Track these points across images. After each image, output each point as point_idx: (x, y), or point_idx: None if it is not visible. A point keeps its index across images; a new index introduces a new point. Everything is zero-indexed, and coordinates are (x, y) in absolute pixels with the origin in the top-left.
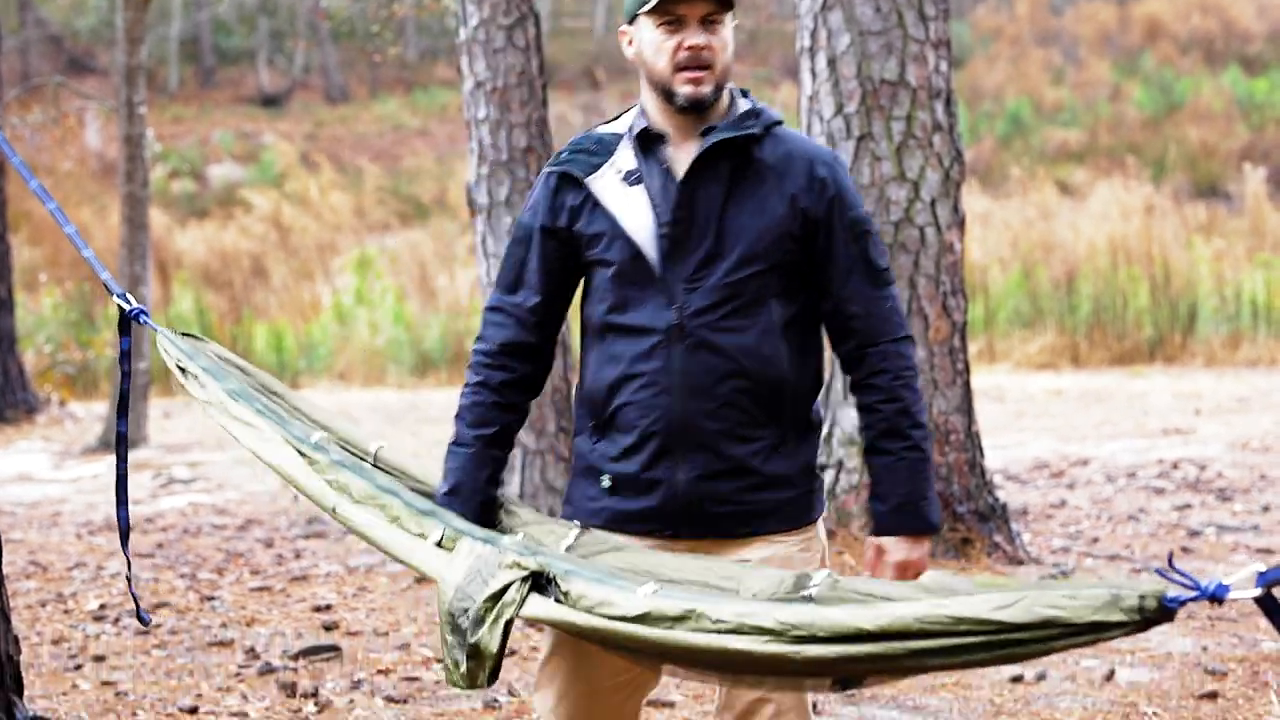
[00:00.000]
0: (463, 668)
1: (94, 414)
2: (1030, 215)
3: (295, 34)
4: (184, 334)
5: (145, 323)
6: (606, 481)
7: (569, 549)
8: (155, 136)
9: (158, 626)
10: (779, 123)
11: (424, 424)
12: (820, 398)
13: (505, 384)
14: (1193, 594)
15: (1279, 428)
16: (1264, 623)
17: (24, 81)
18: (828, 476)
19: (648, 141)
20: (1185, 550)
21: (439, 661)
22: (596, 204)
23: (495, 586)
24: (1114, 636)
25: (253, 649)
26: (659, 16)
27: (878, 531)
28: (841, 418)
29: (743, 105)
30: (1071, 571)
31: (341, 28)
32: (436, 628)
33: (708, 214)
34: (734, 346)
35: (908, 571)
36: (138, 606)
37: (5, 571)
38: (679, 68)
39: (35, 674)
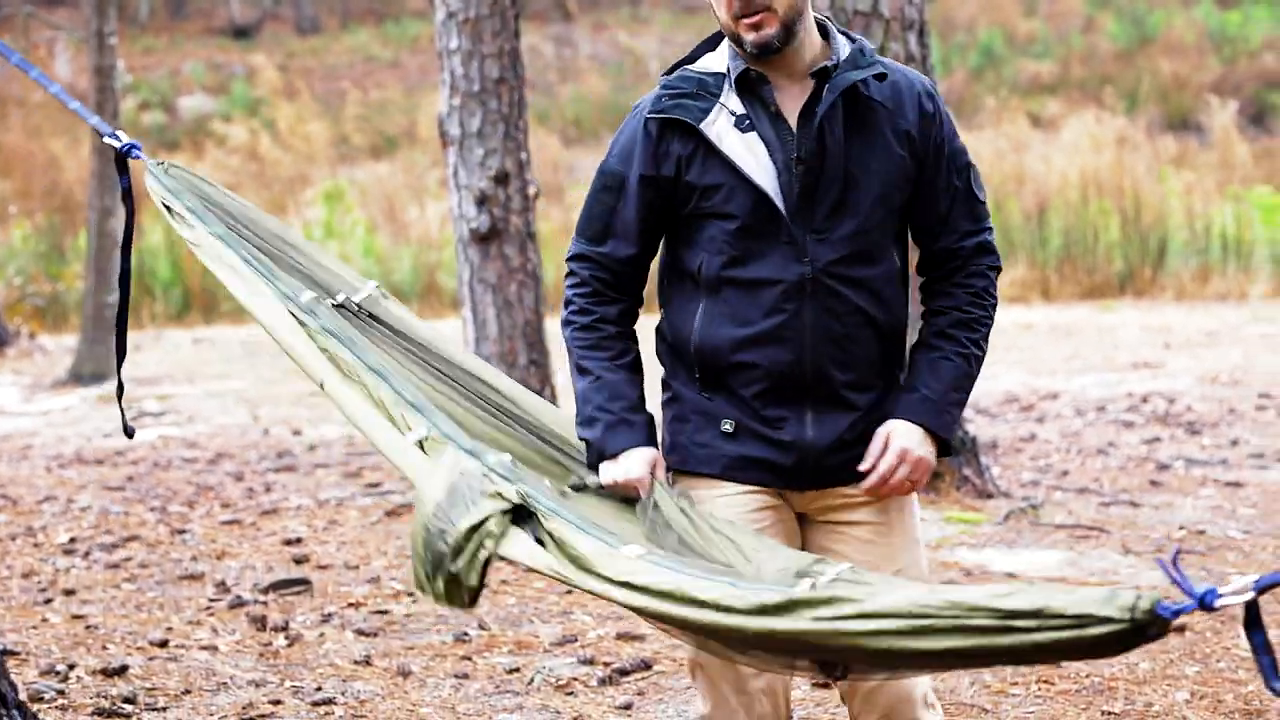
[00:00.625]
0: (436, 586)
1: (64, 346)
2: (1002, 147)
3: None
4: (174, 167)
5: (138, 156)
6: (728, 426)
7: (572, 488)
8: (125, 68)
9: (128, 560)
10: (875, 57)
11: None
12: None
13: (622, 314)
14: (1188, 604)
15: (1247, 361)
16: (1232, 555)
17: None
18: None
19: (750, 84)
20: (1154, 484)
21: (410, 595)
22: (711, 151)
23: (476, 516)
24: (1102, 638)
25: (223, 582)
26: None
27: (896, 415)
28: None
29: (842, 41)
30: (1040, 505)
31: None
32: (407, 561)
33: (835, 159)
34: (865, 296)
35: (907, 465)
36: (124, 417)
37: None
38: (736, 16)
39: (4, 607)
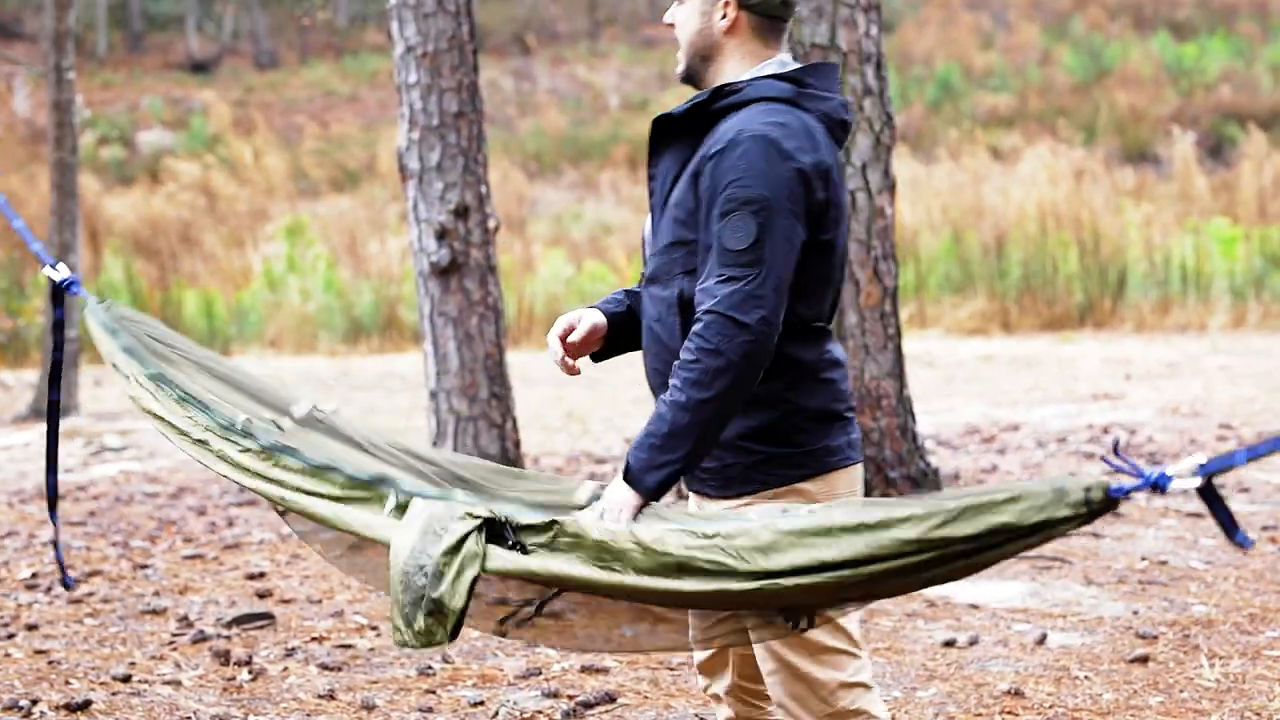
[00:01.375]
0: (416, 625)
1: (24, 382)
2: (960, 180)
3: None
4: (114, 305)
5: (77, 293)
6: None
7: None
8: (84, 103)
9: (90, 595)
10: (735, 98)
11: (356, 390)
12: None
13: None
14: (1137, 483)
15: (1207, 393)
16: (1194, 585)
17: None
18: None
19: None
20: (1115, 515)
21: (374, 629)
22: None
23: (451, 540)
24: (1063, 532)
25: (186, 617)
26: None
27: None
28: None
29: (730, 81)
30: None
31: None
32: (370, 595)
33: (660, 186)
34: (654, 316)
35: (609, 512)
36: (63, 571)
37: None
38: None
39: None
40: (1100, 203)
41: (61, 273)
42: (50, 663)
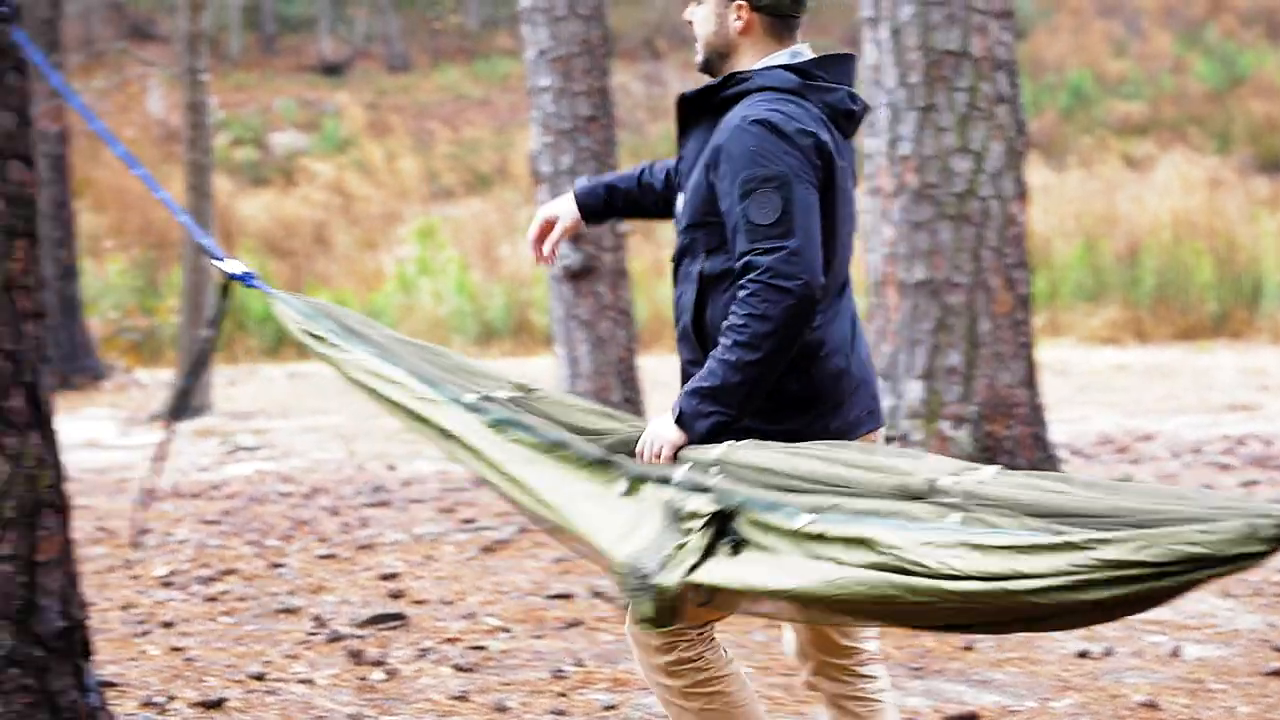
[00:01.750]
0: (642, 609)
1: (159, 380)
2: (1093, 188)
3: (357, 1)
4: (296, 295)
5: (257, 285)
6: None
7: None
8: (218, 104)
9: (225, 593)
10: (741, 87)
11: None
12: (881, 370)
13: None
14: None
15: None
16: None
17: (87, 47)
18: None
19: None
20: None
21: (505, 630)
22: None
23: (679, 540)
24: (1255, 565)
25: (319, 617)
26: None
27: None
28: (906, 390)
29: (740, 71)
30: None
31: None
32: (503, 596)
33: (686, 166)
34: (685, 286)
35: (647, 438)
36: (139, 527)
37: (73, 537)
38: None
39: (104, 640)
40: (1235, 212)
41: (235, 266)
42: (186, 660)
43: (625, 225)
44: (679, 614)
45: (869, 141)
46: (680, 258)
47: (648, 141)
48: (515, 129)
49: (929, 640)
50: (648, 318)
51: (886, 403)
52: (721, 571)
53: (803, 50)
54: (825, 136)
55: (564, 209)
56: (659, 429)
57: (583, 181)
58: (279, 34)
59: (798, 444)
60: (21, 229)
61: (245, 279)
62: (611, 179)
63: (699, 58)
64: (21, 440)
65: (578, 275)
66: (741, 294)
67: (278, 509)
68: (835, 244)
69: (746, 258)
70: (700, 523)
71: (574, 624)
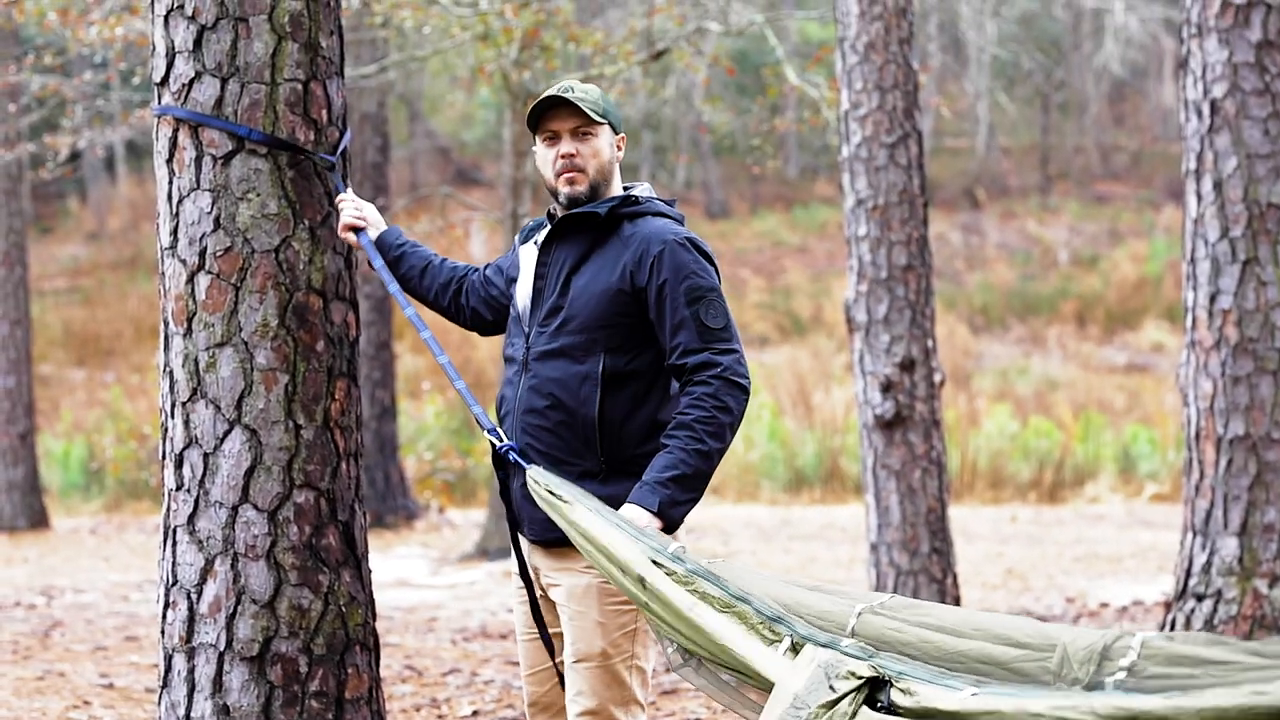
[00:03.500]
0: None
1: (471, 521)
2: None
3: (677, 149)
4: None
5: (514, 459)
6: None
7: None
8: None
9: None
10: (638, 208)
11: (795, 540)
12: (1196, 525)
13: None
14: None
15: None
16: None
17: (412, 191)
18: (1205, 606)
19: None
20: None
21: None
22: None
23: (830, 697)
24: None
25: None
26: (541, 134)
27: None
28: (1221, 546)
29: (619, 194)
30: None
31: (723, 142)
32: None
33: (558, 276)
34: (549, 387)
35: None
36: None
37: (382, 675)
38: (558, 174)
39: None
40: None
41: (501, 439)
42: None
43: (939, 373)
44: None
45: (1188, 294)
46: (559, 354)
47: (964, 290)
48: (831, 276)
49: None
50: (959, 468)
51: (1200, 558)
52: None
53: (646, 184)
54: None
55: (372, 222)
56: (635, 517)
57: (399, 229)
58: None
59: (950, 619)
60: (342, 369)
61: (508, 452)
62: (423, 248)
63: (583, 188)
64: (334, 578)
65: (890, 424)
66: (702, 389)
67: None
68: None
69: (704, 355)
70: (854, 684)
71: None
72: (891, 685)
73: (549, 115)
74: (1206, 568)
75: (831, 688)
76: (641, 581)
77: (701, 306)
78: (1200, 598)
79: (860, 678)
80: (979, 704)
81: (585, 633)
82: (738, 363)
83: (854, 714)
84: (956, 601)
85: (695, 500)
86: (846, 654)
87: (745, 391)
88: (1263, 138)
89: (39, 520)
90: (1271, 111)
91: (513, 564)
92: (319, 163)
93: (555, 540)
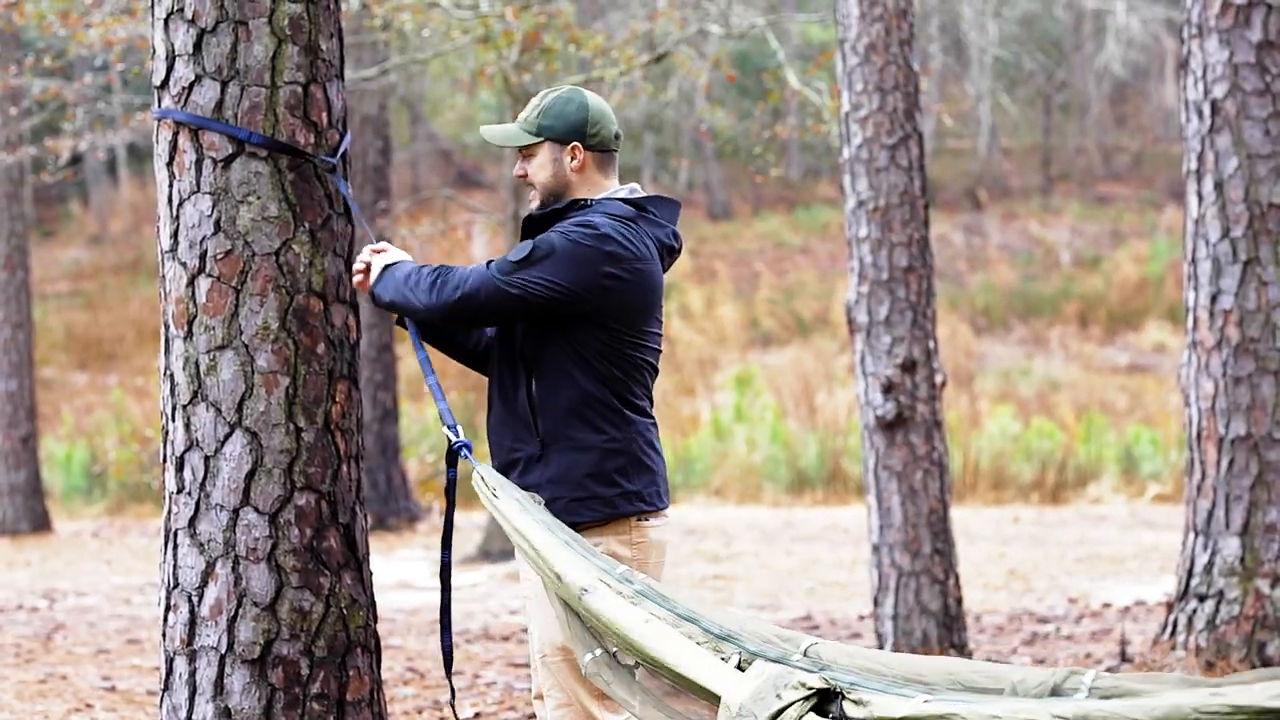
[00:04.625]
0: None
1: (473, 523)
2: None
3: (679, 152)
4: (493, 473)
5: (466, 457)
6: None
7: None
8: None
9: None
10: (582, 212)
11: (798, 541)
12: (1197, 525)
13: None
14: None
15: None
16: None
17: (414, 194)
18: (1207, 606)
19: None
20: None
21: None
22: None
23: (777, 706)
24: None
25: None
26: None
27: None
28: (1222, 547)
29: (582, 197)
30: None
31: (725, 147)
32: None
33: None
34: (504, 377)
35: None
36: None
37: (384, 677)
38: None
39: None
40: None
41: (458, 436)
42: None
43: (940, 375)
44: None
45: (1189, 295)
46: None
47: (966, 291)
48: (836, 277)
49: None
50: (961, 469)
51: (1202, 559)
52: None
53: (637, 188)
54: (648, 260)
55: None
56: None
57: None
58: None
59: (896, 659)
60: (343, 372)
61: (461, 449)
62: None
63: (535, 203)
64: (335, 580)
65: (891, 425)
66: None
67: None
68: (641, 362)
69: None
70: (803, 694)
71: None
72: (843, 697)
73: None
74: (1208, 568)
75: (778, 696)
76: (583, 593)
77: (521, 247)
78: (1202, 598)
79: (810, 689)
80: (934, 709)
81: (548, 628)
82: (474, 280)
83: (801, 718)
84: (959, 603)
85: (385, 291)
86: (796, 667)
87: (444, 296)
88: (1263, 138)
89: (41, 523)
90: (1272, 112)
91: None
92: (319, 165)
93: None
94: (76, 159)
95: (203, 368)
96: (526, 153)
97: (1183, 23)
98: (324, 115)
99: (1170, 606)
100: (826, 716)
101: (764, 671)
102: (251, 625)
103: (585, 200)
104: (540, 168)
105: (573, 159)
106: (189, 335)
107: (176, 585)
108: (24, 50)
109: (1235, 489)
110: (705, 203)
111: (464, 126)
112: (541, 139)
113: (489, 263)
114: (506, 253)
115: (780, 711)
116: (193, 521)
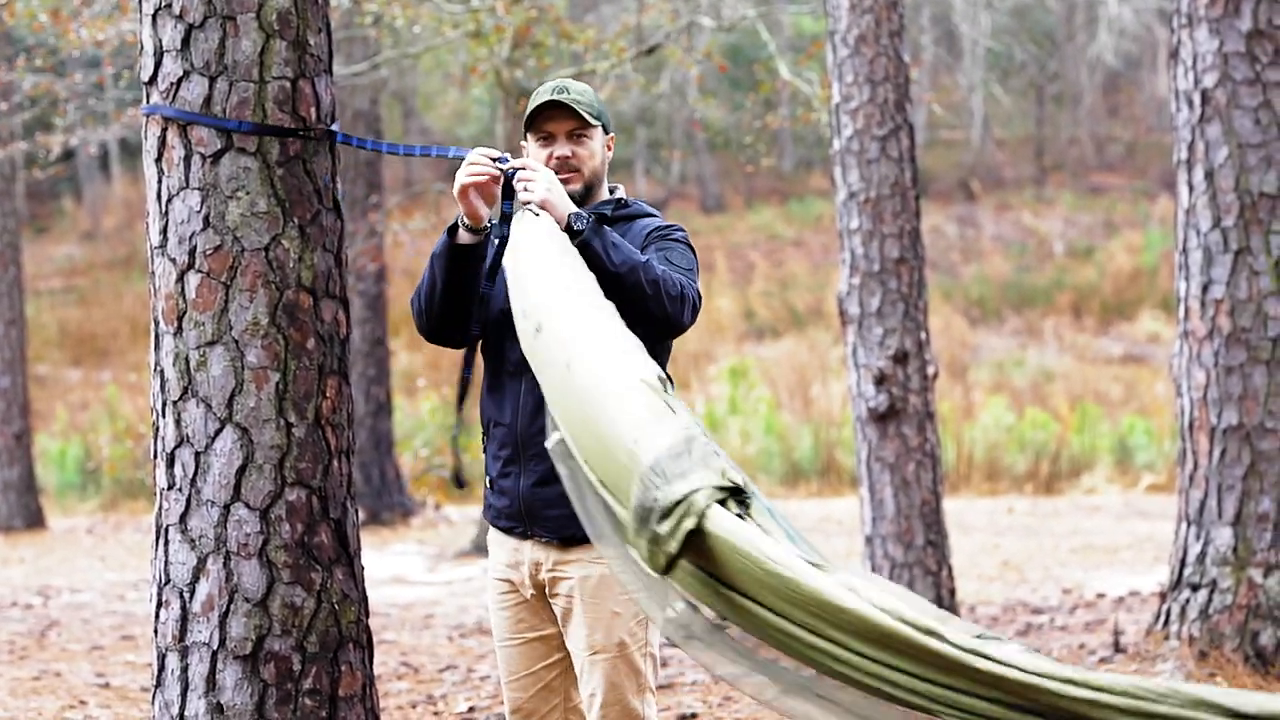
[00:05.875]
0: (639, 543)
1: (468, 517)
2: None
3: (671, 144)
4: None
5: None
6: (488, 482)
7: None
8: None
9: None
10: (629, 210)
11: None
12: (1190, 515)
13: None
14: None
15: None
16: None
17: (406, 188)
18: (1200, 596)
19: None
20: None
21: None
22: None
23: (691, 484)
24: None
25: None
26: (535, 134)
27: None
28: (1215, 536)
29: (608, 195)
30: None
31: (717, 139)
32: None
33: None
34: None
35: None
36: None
37: (377, 672)
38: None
39: None
40: None
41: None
42: None
43: (933, 366)
44: (673, 565)
45: (1180, 285)
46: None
47: (960, 283)
48: (830, 268)
49: None
50: (955, 460)
51: (1195, 548)
52: (730, 524)
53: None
54: None
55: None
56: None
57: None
58: None
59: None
60: (333, 367)
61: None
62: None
63: (577, 188)
64: (326, 575)
65: (883, 416)
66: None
67: None
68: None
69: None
70: (720, 480)
71: None
72: (749, 506)
73: (545, 116)
74: (1201, 557)
75: (693, 470)
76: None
77: (669, 249)
78: (1195, 587)
79: (728, 479)
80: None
81: (601, 624)
82: (689, 288)
83: (707, 508)
84: (952, 594)
85: (602, 248)
86: (725, 462)
87: (684, 304)
88: (1254, 127)
89: (35, 520)
90: (1262, 101)
91: (492, 565)
92: (313, 135)
93: (570, 538)
94: (69, 154)
95: (193, 363)
96: (579, 134)
97: (1172, 12)
98: (312, 110)
99: (1164, 596)
100: (731, 507)
101: (692, 430)
102: (243, 621)
103: (624, 199)
104: (592, 154)
105: (609, 150)
106: (179, 331)
107: (168, 581)
108: (15, 48)
109: (1228, 479)
110: (698, 195)
111: (456, 121)
112: (599, 124)
113: (649, 263)
114: (649, 251)
115: (690, 494)
116: (184, 517)
